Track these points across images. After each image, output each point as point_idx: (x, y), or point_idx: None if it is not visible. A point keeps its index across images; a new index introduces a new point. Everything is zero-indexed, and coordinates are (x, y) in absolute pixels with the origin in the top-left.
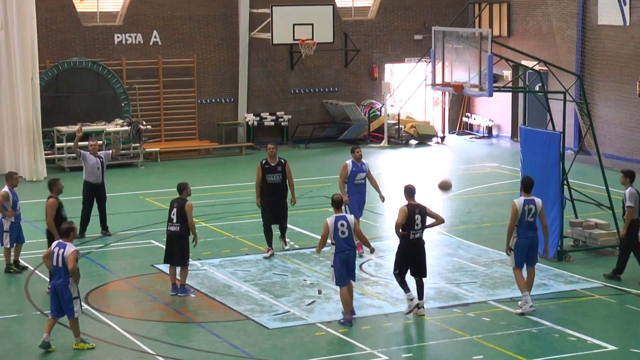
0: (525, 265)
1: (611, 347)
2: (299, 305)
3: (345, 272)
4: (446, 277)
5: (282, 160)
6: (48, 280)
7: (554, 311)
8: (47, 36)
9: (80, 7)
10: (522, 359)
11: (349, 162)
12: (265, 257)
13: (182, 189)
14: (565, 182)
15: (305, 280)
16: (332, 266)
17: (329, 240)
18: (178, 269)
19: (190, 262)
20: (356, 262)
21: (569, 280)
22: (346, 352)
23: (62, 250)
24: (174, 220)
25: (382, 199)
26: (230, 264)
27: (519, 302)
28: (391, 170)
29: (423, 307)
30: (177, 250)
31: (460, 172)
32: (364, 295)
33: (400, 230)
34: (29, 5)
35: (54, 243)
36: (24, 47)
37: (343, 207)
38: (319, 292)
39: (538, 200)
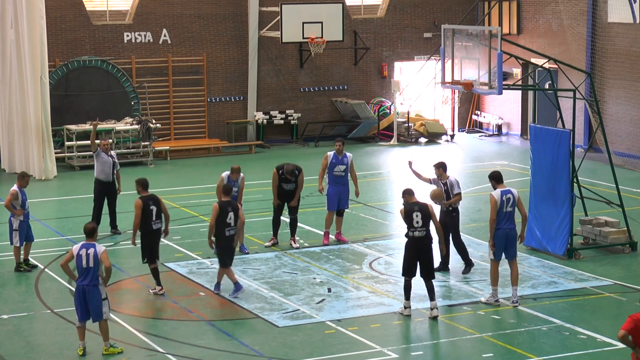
0: (506, 259)
1: (621, 345)
2: (309, 304)
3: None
4: (456, 275)
5: (296, 172)
6: (60, 279)
7: (564, 309)
8: (57, 35)
9: (89, 5)
10: (532, 356)
11: (330, 153)
12: (266, 246)
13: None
14: (575, 180)
15: (314, 278)
16: None
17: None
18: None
19: (200, 260)
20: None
21: (579, 278)
22: (356, 350)
23: (91, 250)
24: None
25: (357, 194)
26: (240, 262)
27: (488, 297)
28: (400, 168)
29: (436, 309)
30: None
31: (470, 170)
32: (374, 293)
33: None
34: (39, 4)
35: (77, 246)
36: (33, 45)
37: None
38: (329, 290)
39: (514, 190)
